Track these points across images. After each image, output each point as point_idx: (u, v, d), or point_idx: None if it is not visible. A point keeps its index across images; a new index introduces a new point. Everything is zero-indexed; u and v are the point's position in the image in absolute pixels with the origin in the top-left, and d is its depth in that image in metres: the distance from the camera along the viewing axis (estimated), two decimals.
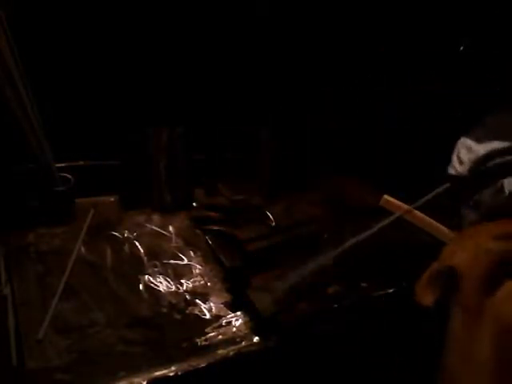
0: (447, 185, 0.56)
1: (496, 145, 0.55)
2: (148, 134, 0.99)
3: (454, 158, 0.60)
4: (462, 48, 1.04)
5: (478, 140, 0.59)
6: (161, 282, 0.78)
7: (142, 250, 0.85)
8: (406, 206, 1.04)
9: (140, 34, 0.96)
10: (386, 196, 1.10)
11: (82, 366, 0.61)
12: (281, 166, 1.11)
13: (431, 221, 0.94)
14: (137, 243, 0.87)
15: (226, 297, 0.77)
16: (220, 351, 0.66)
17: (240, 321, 0.72)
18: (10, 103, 0.78)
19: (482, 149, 0.58)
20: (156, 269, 0.81)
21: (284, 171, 1.12)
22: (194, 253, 0.87)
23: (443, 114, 1.10)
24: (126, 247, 0.86)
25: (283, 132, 1.12)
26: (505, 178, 0.53)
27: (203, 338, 0.68)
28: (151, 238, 0.89)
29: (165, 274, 0.80)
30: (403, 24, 1.13)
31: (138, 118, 0.99)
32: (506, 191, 0.50)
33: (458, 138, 0.66)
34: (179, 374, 0.61)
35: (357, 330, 0.76)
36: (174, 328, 0.69)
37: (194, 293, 0.77)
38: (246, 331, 0.70)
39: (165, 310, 0.73)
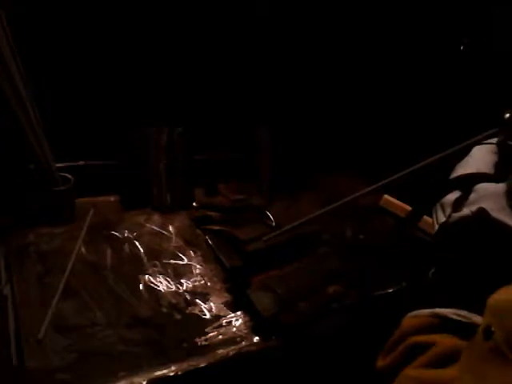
0: (495, 129, 0.56)
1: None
2: (148, 133, 0.99)
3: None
4: (462, 48, 1.04)
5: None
6: (161, 282, 0.78)
7: (141, 250, 0.85)
8: (406, 206, 1.05)
9: (140, 34, 0.97)
10: (386, 196, 1.11)
11: (82, 366, 0.60)
12: (281, 166, 1.12)
13: (431, 220, 0.94)
14: (137, 243, 0.87)
15: (226, 297, 0.77)
16: (220, 351, 0.66)
17: (240, 321, 0.72)
18: (11, 103, 0.78)
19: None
20: (156, 268, 0.81)
21: (284, 171, 1.12)
22: (194, 253, 0.87)
23: (443, 114, 1.10)
24: (126, 247, 0.86)
25: (283, 132, 1.12)
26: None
27: (203, 337, 0.68)
28: (151, 238, 0.89)
29: (165, 274, 0.80)
30: (403, 24, 1.13)
31: (138, 118, 0.99)
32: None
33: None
34: (179, 373, 0.61)
35: (357, 330, 0.76)
36: (174, 328, 0.69)
37: (194, 293, 0.77)
38: (246, 331, 0.70)
39: (165, 310, 0.73)
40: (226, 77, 1.07)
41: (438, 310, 0.43)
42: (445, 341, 0.40)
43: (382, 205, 1.09)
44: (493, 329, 0.32)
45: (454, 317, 0.41)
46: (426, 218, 0.95)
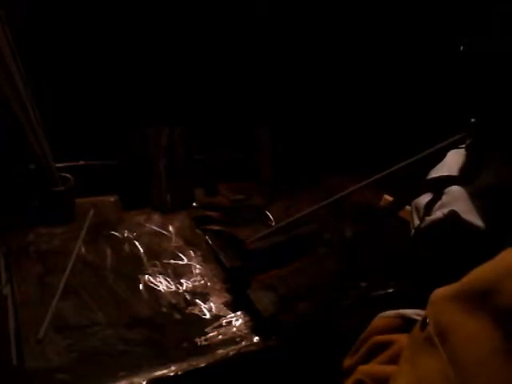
0: (463, 134, 0.58)
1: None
2: (148, 133, 0.99)
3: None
4: (462, 48, 1.03)
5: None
6: (161, 282, 0.78)
7: (141, 250, 0.85)
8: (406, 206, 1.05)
9: (140, 34, 0.97)
10: (386, 196, 1.11)
11: (82, 366, 0.61)
12: (281, 166, 1.12)
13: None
14: (137, 243, 0.87)
15: (226, 297, 0.77)
16: (220, 351, 0.66)
17: (240, 321, 0.72)
18: (11, 103, 0.78)
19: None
20: (156, 268, 0.81)
21: (284, 171, 1.12)
22: (194, 253, 0.87)
23: (444, 114, 1.10)
24: (126, 247, 0.86)
25: (283, 132, 1.12)
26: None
27: (203, 337, 0.68)
28: (151, 238, 0.89)
29: (165, 274, 0.80)
30: (403, 25, 1.13)
31: (138, 118, 0.99)
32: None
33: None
34: (179, 373, 0.61)
35: (357, 330, 0.75)
36: (174, 328, 0.69)
37: (194, 293, 0.77)
38: (246, 331, 0.70)
39: (165, 310, 0.73)
40: (226, 77, 1.07)
41: (402, 311, 0.45)
42: (402, 340, 0.42)
43: (383, 205, 1.09)
44: (427, 320, 0.33)
45: (417, 317, 0.43)
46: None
